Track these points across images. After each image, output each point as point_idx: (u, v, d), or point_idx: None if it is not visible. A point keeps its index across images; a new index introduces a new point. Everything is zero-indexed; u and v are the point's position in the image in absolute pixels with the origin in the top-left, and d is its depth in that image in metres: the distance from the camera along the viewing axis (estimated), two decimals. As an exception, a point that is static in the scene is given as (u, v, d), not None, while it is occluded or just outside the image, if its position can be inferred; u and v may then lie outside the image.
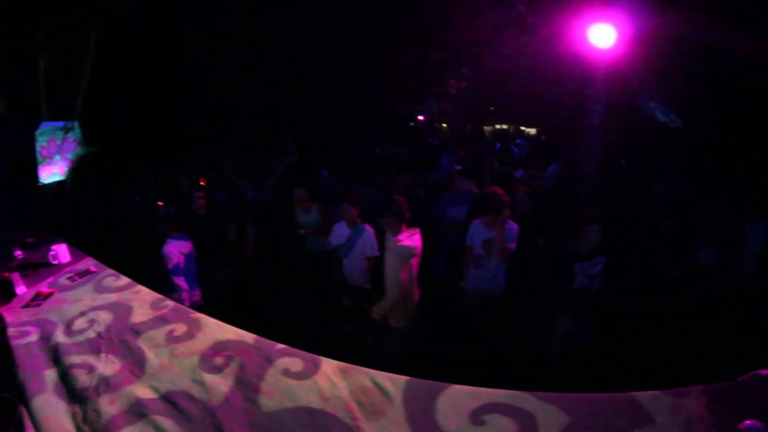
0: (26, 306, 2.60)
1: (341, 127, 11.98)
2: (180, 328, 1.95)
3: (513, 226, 4.48)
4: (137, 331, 1.98)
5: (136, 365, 1.76)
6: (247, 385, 1.58)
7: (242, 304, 4.78)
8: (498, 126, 21.14)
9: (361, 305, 4.96)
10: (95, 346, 1.91)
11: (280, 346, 1.78)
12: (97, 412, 1.53)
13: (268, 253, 5.94)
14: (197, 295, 4.64)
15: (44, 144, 6.95)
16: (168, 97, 8.73)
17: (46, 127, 7.09)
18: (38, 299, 2.64)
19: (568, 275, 4.32)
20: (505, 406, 1.27)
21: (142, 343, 1.89)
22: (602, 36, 5.87)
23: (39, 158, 6.56)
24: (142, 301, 2.28)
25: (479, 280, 4.58)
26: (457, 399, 1.31)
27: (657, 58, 7.63)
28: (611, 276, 4.37)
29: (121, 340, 1.93)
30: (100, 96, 7.68)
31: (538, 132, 18.75)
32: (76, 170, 7.27)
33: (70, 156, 7.25)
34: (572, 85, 7.80)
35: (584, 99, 6.77)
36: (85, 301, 2.38)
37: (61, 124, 7.19)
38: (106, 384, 1.65)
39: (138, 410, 1.52)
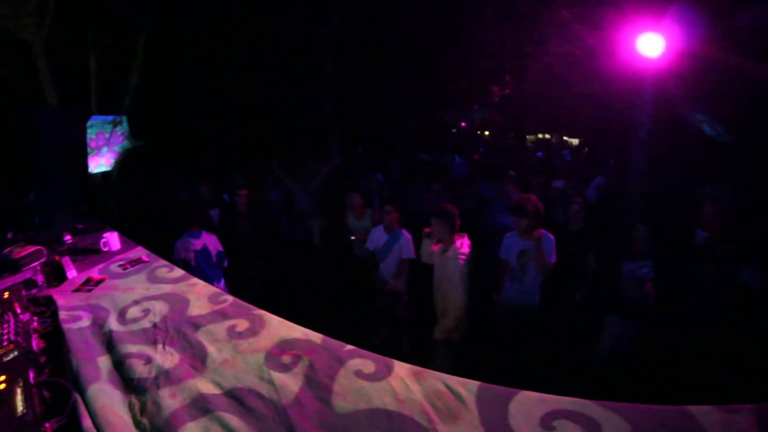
0: (77, 290, 2.55)
1: (385, 132, 11.98)
2: (242, 324, 1.84)
3: (550, 236, 4.30)
4: (196, 324, 1.88)
5: (197, 359, 1.64)
6: (318, 385, 1.47)
7: (278, 302, 4.78)
8: (540, 135, 20.59)
9: (396, 309, 4.88)
10: (151, 337, 1.82)
11: (349, 347, 1.67)
12: (158, 404, 1.41)
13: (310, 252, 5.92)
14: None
15: (93, 136, 7.14)
16: (212, 97, 8.88)
17: (95, 120, 7.32)
18: (89, 284, 2.59)
19: (615, 276, 4.24)
20: (572, 413, 1.26)
21: (201, 337, 1.78)
22: (651, 45, 5.68)
23: (88, 149, 6.71)
24: (199, 294, 2.18)
25: (515, 294, 4.40)
26: (527, 405, 1.29)
27: (706, 68, 7.26)
28: (657, 286, 4.24)
29: (179, 332, 1.82)
30: (148, 93, 7.86)
31: (580, 143, 18.11)
32: (122, 162, 7.43)
33: (117, 148, 7.42)
34: (617, 95, 7.59)
35: (630, 110, 6.55)
36: (138, 290, 2.30)
37: (110, 118, 7.39)
38: (166, 377, 1.54)
39: (201, 405, 1.40)
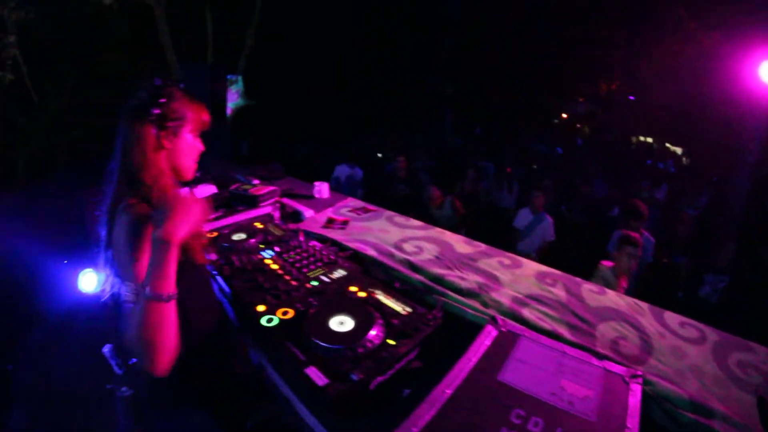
0: (326, 227, 3.02)
1: (497, 114, 11.95)
2: (505, 260, 2.55)
3: (652, 239, 5.06)
4: (471, 258, 2.54)
5: (491, 279, 2.33)
6: (574, 294, 2.27)
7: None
8: (642, 138, 19.29)
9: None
10: (444, 264, 2.45)
11: (577, 279, 2.47)
12: (495, 300, 2.13)
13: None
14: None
15: (209, 93, 7.84)
16: (327, 65, 9.39)
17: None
18: (336, 224, 3.08)
19: (696, 282, 4.98)
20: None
21: (483, 266, 2.46)
22: (770, 74, 5.65)
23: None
24: (453, 239, 2.80)
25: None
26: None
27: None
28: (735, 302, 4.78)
29: (463, 263, 2.48)
30: (264, 55, 8.52)
31: (683, 152, 17.20)
32: (236, 118, 8.15)
33: (231, 105, 8.12)
34: (729, 108, 7.47)
35: (741, 131, 6.67)
36: (393, 233, 2.89)
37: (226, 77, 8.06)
38: (485, 287, 2.22)
39: (520, 302, 2.14)
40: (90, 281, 4.65)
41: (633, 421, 1.49)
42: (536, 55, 11.66)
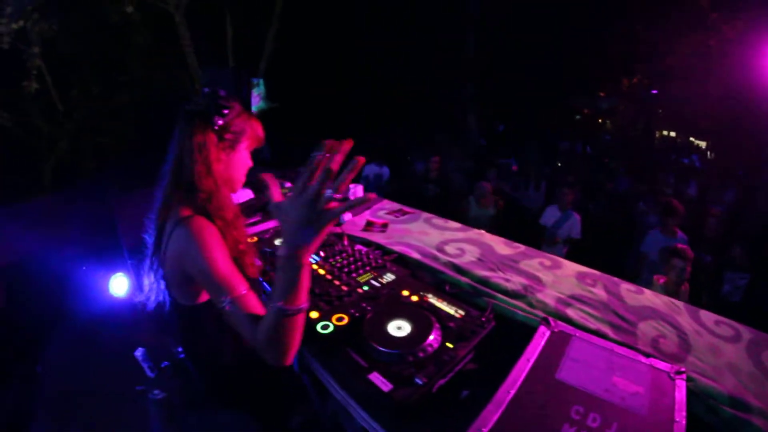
0: (366, 231, 3.09)
1: (521, 111, 11.92)
2: (545, 262, 2.64)
3: (685, 237, 5.10)
4: (513, 259, 2.64)
5: (534, 281, 2.42)
6: (614, 293, 2.37)
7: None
8: (665, 132, 18.84)
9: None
10: (487, 267, 2.53)
11: (616, 279, 2.54)
12: (541, 301, 2.22)
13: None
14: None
15: (231, 97, 8.01)
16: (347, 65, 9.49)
17: (233, 82, 8.16)
18: (375, 227, 3.15)
19: (717, 280, 5.10)
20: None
21: (524, 267, 2.55)
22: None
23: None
24: (494, 241, 2.89)
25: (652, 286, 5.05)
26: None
27: None
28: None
29: (505, 264, 2.57)
30: (285, 58, 8.65)
31: (708, 146, 16.50)
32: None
33: (255, 109, 8.25)
34: (755, 101, 7.42)
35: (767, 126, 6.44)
36: (433, 235, 2.98)
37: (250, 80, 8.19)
38: (530, 288, 2.31)
39: (563, 301, 2.23)
40: (121, 285, 4.76)
41: (680, 414, 1.59)
42: (556, 50, 11.56)
